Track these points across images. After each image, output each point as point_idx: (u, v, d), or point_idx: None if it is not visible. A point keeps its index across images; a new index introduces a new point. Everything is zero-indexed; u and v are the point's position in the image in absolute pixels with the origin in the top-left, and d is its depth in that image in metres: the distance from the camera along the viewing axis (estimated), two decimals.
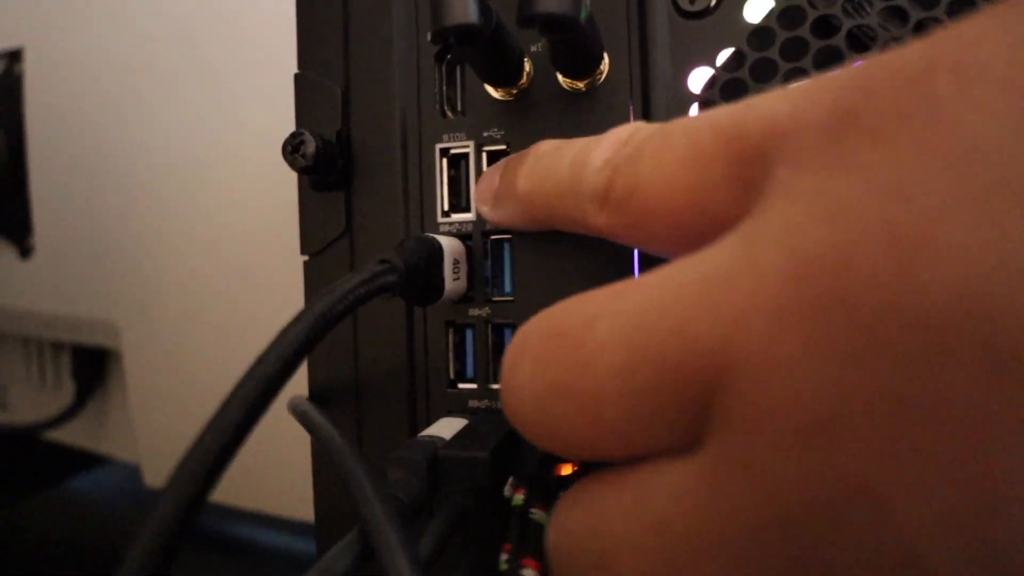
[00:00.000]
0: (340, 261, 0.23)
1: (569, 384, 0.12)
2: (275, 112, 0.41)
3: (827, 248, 0.10)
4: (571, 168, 0.16)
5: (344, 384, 0.23)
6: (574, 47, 0.17)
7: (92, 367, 0.54)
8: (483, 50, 0.17)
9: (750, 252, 0.11)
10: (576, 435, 0.13)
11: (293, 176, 0.41)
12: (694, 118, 0.14)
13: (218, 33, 0.43)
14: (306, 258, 0.23)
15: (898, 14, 0.19)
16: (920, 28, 0.18)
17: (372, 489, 0.14)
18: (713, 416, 0.11)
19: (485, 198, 0.20)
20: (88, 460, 0.55)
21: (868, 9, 0.19)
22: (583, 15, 0.15)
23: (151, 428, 0.49)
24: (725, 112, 0.13)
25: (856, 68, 0.11)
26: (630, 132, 0.15)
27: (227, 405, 0.12)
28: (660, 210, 0.14)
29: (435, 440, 0.18)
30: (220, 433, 0.12)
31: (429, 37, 0.16)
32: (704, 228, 0.13)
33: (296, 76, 0.23)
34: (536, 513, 0.16)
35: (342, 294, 0.14)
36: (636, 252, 0.20)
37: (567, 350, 0.12)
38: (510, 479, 0.18)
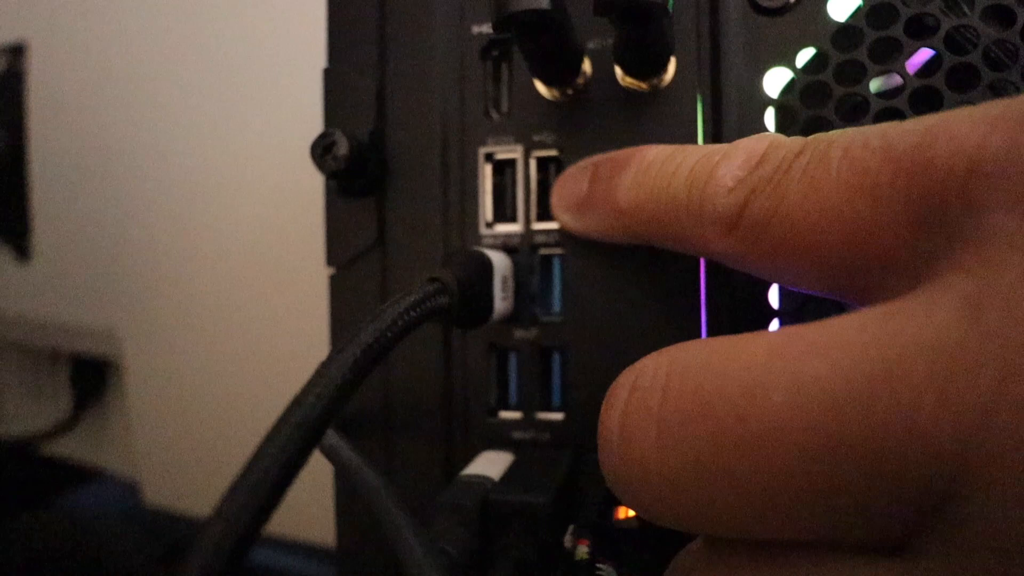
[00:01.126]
0: (371, 274, 0.21)
1: (726, 467, 0.10)
2: (290, 112, 0.39)
3: None
4: (689, 184, 0.14)
5: (373, 411, 0.21)
6: (650, 41, 0.16)
7: (91, 377, 0.52)
8: (547, 41, 0.16)
9: (987, 325, 0.09)
10: (726, 520, 0.10)
11: (310, 180, 0.39)
12: (851, 137, 0.12)
13: (230, 30, 0.41)
14: (332, 270, 0.21)
15: (1003, 14, 0.17)
16: None
17: (418, 543, 0.12)
18: (937, 524, 0.09)
19: (568, 205, 0.18)
20: (85, 475, 0.53)
21: (968, 9, 0.17)
22: (671, 4, 0.14)
23: (151, 443, 0.47)
24: (896, 133, 0.11)
25: None
26: (766, 148, 0.13)
27: (259, 457, 0.10)
28: (809, 242, 0.12)
29: (483, 481, 0.16)
30: (251, 495, 0.10)
31: (491, 24, 0.15)
32: (860, 265, 0.11)
33: (325, 71, 0.21)
34: (603, 569, 0.14)
35: (391, 320, 0.12)
36: (703, 271, 0.18)
37: (723, 423, 0.10)
38: (570, 528, 0.15)
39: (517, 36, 0.15)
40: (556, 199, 0.18)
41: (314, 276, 0.40)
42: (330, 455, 0.17)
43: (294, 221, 0.40)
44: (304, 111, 0.38)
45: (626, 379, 0.13)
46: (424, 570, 0.12)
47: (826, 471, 0.09)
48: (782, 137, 0.13)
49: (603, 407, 0.13)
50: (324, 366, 0.11)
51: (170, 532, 0.51)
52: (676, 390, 0.11)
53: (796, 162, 0.12)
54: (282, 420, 0.10)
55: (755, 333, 0.11)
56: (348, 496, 0.21)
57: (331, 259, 0.21)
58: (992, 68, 0.17)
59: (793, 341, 0.10)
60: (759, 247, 0.13)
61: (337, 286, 0.21)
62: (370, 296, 0.21)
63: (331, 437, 0.17)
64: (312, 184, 0.39)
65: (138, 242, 0.45)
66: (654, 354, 0.13)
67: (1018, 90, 0.17)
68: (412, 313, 0.13)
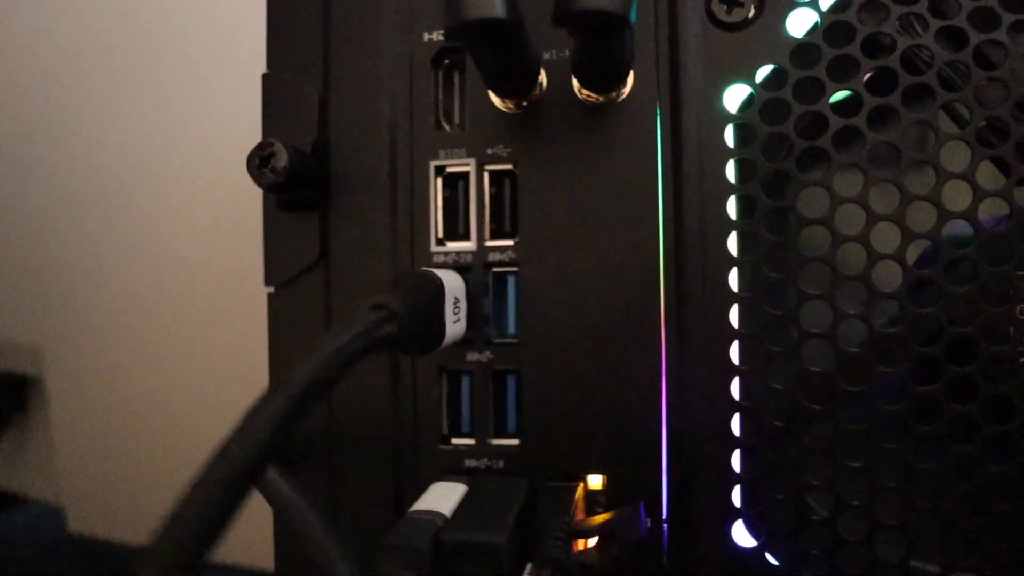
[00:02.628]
0: (312, 294, 0.20)
1: None
2: (226, 118, 0.38)
3: None
4: None
5: (315, 439, 0.19)
6: (609, 53, 0.15)
7: (9, 396, 0.48)
8: (502, 52, 0.15)
9: None
10: None
11: (248, 192, 0.37)
12: None
13: (165, 32, 0.39)
14: (271, 289, 0.20)
15: (955, 36, 0.17)
16: (980, 54, 0.17)
17: None
18: None
19: None
20: (6, 501, 0.49)
21: (922, 30, 0.17)
22: (633, 15, 0.13)
23: (76, 467, 0.45)
24: None
25: None
26: None
27: (178, 519, 0.09)
28: None
29: (434, 517, 0.15)
30: (178, 552, 0.08)
31: (444, 32, 0.14)
32: None
33: (264, 77, 0.20)
34: None
35: (330, 357, 0.11)
36: (662, 287, 0.18)
37: None
38: (528, 566, 0.15)
39: (471, 46, 0.14)
40: None
41: (248, 294, 0.38)
42: (266, 492, 0.15)
43: (229, 236, 0.39)
44: (242, 116, 0.37)
45: None
46: None
47: None
48: None
49: None
50: (253, 411, 0.10)
51: (96, 560, 0.48)
52: None
53: None
54: (207, 474, 0.09)
55: None
56: (289, 541, 0.20)
57: (270, 277, 0.20)
58: (945, 88, 0.17)
59: None
60: None
61: (277, 305, 0.20)
62: (312, 317, 0.20)
63: (269, 473, 0.16)
64: (248, 195, 0.38)
65: (63, 255, 0.43)
66: None
67: (969, 111, 0.17)
68: (354, 346, 0.12)
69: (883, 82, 0.17)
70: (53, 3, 0.41)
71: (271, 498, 0.15)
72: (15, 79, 0.42)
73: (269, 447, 0.10)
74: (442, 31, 0.19)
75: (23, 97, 0.42)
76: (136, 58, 0.40)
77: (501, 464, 0.18)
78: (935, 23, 0.17)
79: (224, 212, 0.39)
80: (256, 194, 0.38)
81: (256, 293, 0.37)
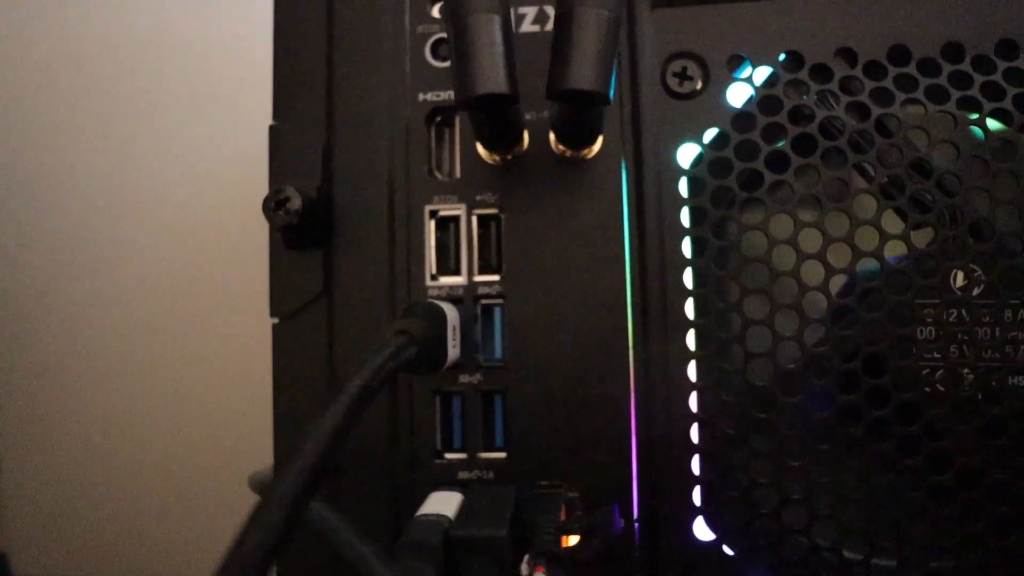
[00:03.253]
0: (316, 325, 0.21)
1: None
2: (211, 146, 0.38)
3: None
4: None
5: None
6: (587, 120, 0.18)
7: None
8: (500, 117, 0.17)
9: None
10: None
11: (214, 223, 0.39)
12: None
13: (153, 63, 0.40)
14: (275, 321, 0.22)
15: (861, 109, 0.21)
16: (880, 124, 0.21)
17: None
18: None
19: None
20: None
21: (835, 104, 0.21)
22: (612, 94, 0.16)
23: (20, 511, 0.43)
24: None
25: None
26: None
27: (266, 507, 0.11)
28: None
29: (440, 519, 0.17)
30: (261, 541, 0.10)
31: (455, 103, 0.16)
32: None
33: (271, 128, 0.22)
34: None
35: (373, 372, 0.13)
36: (630, 319, 0.21)
37: None
38: (526, 556, 0.17)
39: (477, 113, 0.17)
40: None
41: (214, 328, 0.39)
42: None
43: (193, 269, 0.39)
44: (225, 143, 0.38)
45: None
46: None
47: None
48: None
49: None
50: (319, 417, 0.12)
51: None
52: None
53: None
54: (285, 471, 0.11)
55: None
56: (290, 564, 0.21)
57: (275, 309, 0.22)
58: (855, 151, 0.21)
59: None
60: None
61: (282, 335, 0.22)
62: (315, 346, 0.21)
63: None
64: (223, 226, 0.39)
65: (8, 285, 0.42)
66: None
67: (874, 169, 0.20)
68: (389, 365, 0.14)
69: (806, 144, 0.21)
70: (50, 26, 0.41)
71: (318, 527, 0.16)
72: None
73: (328, 458, 0.12)
74: (435, 92, 0.22)
75: (12, 116, 0.42)
76: (129, 76, 0.40)
77: (491, 475, 0.21)
78: (844, 98, 0.21)
79: (195, 243, 0.39)
80: (230, 226, 0.39)
81: (228, 325, 0.38)
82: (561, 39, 0.16)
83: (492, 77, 0.15)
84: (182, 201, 0.39)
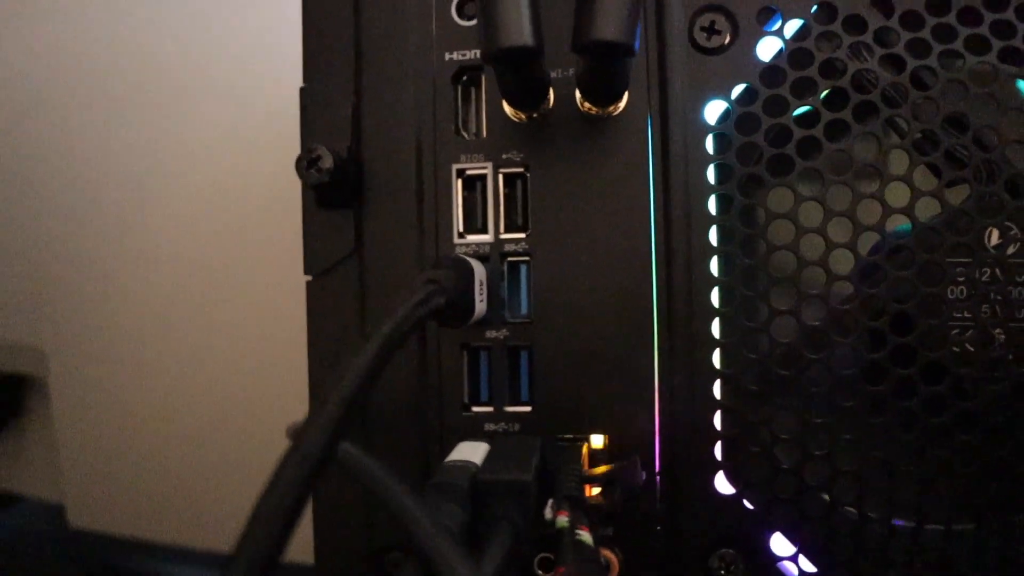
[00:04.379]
0: (347, 281, 0.22)
1: None
2: (228, 124, 0.39)
3: None
4: None
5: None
6: (613, 75, 0.18)
7: (8, 396, 0.49)
8: (526, 73, 0.18)
9: None
10: None
11: (244, 194, 0.40)
12: None
13: (172, 38, 0.41)
14: (309, 278, 0.23)
15: (896, 62, 0.20)
16: (916, 77, 0.20)
17: (426, 516, 0.14)
18: None
19: None
20: (4, 498, 0.50)
21: (868, 56, 0.20)
22: (637, 45, 0.16)
23: (76, 464, 0.46)
24: None
25: None
26: None
27: (294, 454, 0.11)
28: None
29: (468, 465, 0.18)
30: (292, 481, 0.11)
31: (480, 56, 0.16)
32: None
33: (302, 90, 0.23)
34: (583, 534, 0.16)
35: (402, 318, 0.14)
36: (653, 251, 0.21)
37: None
38: (549, 501, 0.17)
39: (503, 67, 0.17)
40: None
41: (251, 293, 0.40)
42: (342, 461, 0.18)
43: (232, 237, 0.40)
44: (244, 120, 0.39)
45: None
46: (436, 540, 0.13)
47: None
48: None
49: None
50: (352, 356, 0.12)
51: (95, 554, 0.49)
52: None
53: None
54: (325, 402, 0.12)
55: None
56: (325, 508, 0.22)
57: (309, 267, 0.22)
58: (888, 105, 0.20)
59: None
60: None
61: (315, 292, 0.22)
62: (347, 302, 0.22)
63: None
64: (251, 198, 0.40)
65: (67, 255, 0.44)
66: None
67: (908, 124, 0.20)
68: (419, 311, 0.14)
69: (837, 99, 0.20)
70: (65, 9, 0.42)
71: (349, 464, 0.17)
72: (22, 81, 0.44)
73: (358, 399, 0.12)
74: (461, 52, 0.22)
75: (29, 98, 0.44)
76: (145, 57, 0.41)
77: (516, 427, 0.21)
78: (879, 51, 0.20)
79: (228, 213, 0.41)
80: (262, 198, 0.40)
81: (260, 293, 0.40)
82: None
83: (517, 30, 0.16)
84: (227, 168, 0.40)
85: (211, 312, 0.41)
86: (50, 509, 0.50)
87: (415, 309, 0.14)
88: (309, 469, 0.11)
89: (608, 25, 0.15)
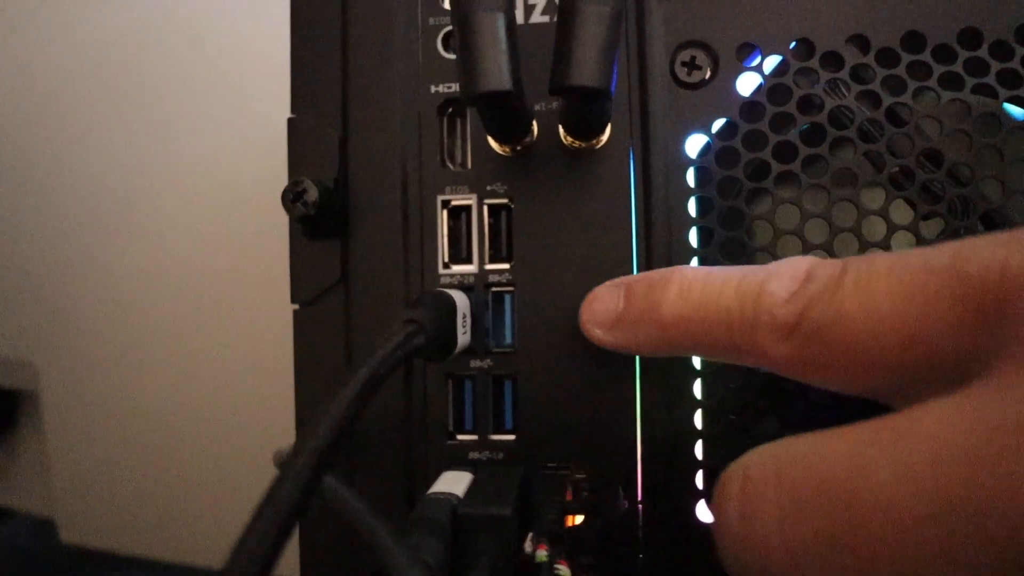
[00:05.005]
0: (334, 311, 0.22)
1: (846, 540, 0.12)
2: (226, 135, 0.39)
3: None
4: (739, 298, 0.16)
5: None
6: (594, 113, 0.18)
7: (2, 410, 0.49)
8: (506, 112, 0.18)
9: None
10: None
11: (235, 211, 0.40)
12: (889, 257, 0.14)
13: (165, 55, 0.41)
14: (296, 307, 0.23)
15: (872, 98, 0.21)
16: (891, 112, 0.20)
17: (402, 552, 0.14)
18: None
19: (602, 320, 0.19)
20: None
21: (846, 92, 0.21)
22: (613, 89, 0.16)
23: (68, 479, 0.46)
24: (930, 254, 0.13)
25: None
26: (808, 267, 0.15)
27: (279, 488, 0.12)
28: (867, 345, 0.13)
29: (450, 497, 0.18)
30: (277, 512, 0.11)
31: (460, 98, 0.17)
32: (911, 365, 0.13)
33: (290, 120, 0.23)
34: (561, 569, 0.16)
35: (380, 360, 0.14)
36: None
37: (837, 501, 0.12)
38: (530, 534, 0.18)
39: (481, 109, 0.18)
40: (588, 315, 0.19)
41: (244, 309, 0.40)
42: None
43: (226, 251, 0.41)
44: (240, 135, 0.39)
45: (734, 472, 0.14)
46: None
47: (940, 534, 0.11)
48: (820, 259, 0.16)
49: (716, 498, 0.14)
50: (330, 403, 0.13)
51: (86, 570, 0.49)
52: (789, 477, 0.13)
53: (845, 278, 0.14)
54: (298, 449, 0.12)
55: (838, 429, 0.13)
56: (312, 529, 0.22)
57: (296, 296, 0.23)
58: (864, 140, 0.21)
59: (880, 431, 0.12)
60: (817, 352, 0.14)
61: (302, 321, 0.23)
62: (334, 331, 0.22)
63: None
64: (243, 212, 0.40)
65: (59, 270, 0.44)
66: (755, 450, 0.14)
67: (883, 159, 0.20)
68: (397, 354, 0.15)
69: (815, 134, 0.21)
70: (64, 16, 0.43)
71: (329, 499, 0.17)
72: (14, 92, 0.44)
73: (339, 437, 0.12)
74: (446, 84, 0.22)
75: (17, 113, 0.44)
76: (142, 70, 0.41)
77: (500, 456, 0.21)
78: (855, 87, 0.21)
79: (220, 227, 0.41)
80: (253, 210, 0.40)
81: (254, 308, 0.40)
82: (563, 35, 0.16)
83: (495, 75, 0.16)
84: (216, 191, 0.41)
85: (204, 328, 0.41)
86: (41, 524, 0.50)
87: (394, 351, 0.15)
88: (286, 514, 0.12)
89: (584, 71, 0.15)
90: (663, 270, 0.18)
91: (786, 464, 0.13)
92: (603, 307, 0.19)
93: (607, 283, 0.19)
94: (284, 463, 0.12)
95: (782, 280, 0.15)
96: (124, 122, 0.42)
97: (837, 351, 0.14)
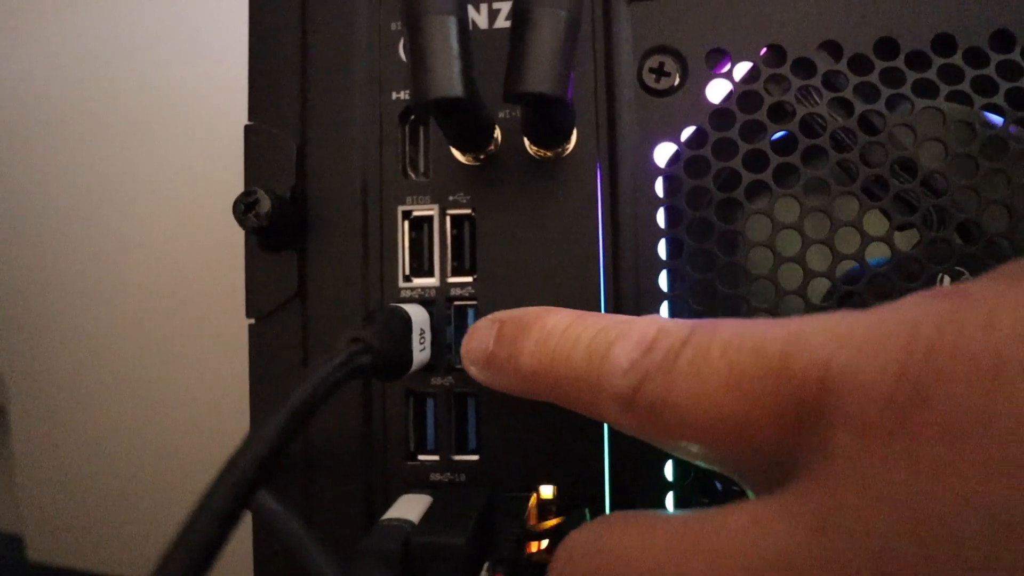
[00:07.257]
0: (290, 325, 0.22)
1: None
2: (187, 152, 0.39)
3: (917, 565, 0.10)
4: (588, 358, 0.15)
5: (293, 456, 0.21)
6: (553, 121, 0.17)
7: None
8: (461, 120, 0.17)
9: (831, 545, 0.11)
10: None
11: (206, 223, 0.39)
12: (730, 335, 0.13)
13: (131, 67, 0.40)
14: (251, 321, 0.22)
15: (844, 105, 0.20)
16: (864, 120, 0.20)
17: None
18: None
19: (475, 359, 0.18)
20: None
21: (818, 99, 0.20)
22: (569, 94, 0.16)
23: (37, 495, 0.45)
24: (767, 336, 0.12)
25: (919, 325, 0.11)
26: (655, 333, 0.14)
27: (197, 519, 0.11)
28: (697, 431, 0.13)
29: (403, 524, 0.17)
30: (189, 551, 0.10)
31: (410, 106, 0.16)
32: (743, 455, 0.13)
33: (247, 128, 0.22)
34: None
35: (318, 383, 0.13)
36: (602, 297, 0.20)
37: None
38: (486, 564, 0.17)
39: (435, 116, 0.17)
40: (465, 351, 0.19)
41: (212, 325, 0.39)
42: (256, 510, 0.17)
43: (193, 267, 0.40)
44: (194, 147, 0.38)
45: (559, 553, 0.14)
46: None
47: None
48: (669, 322, 0.15)
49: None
50: (257, 429, 0.12)
51: None
52: (605, 571, 0.13)
53: (683, 353, 0.13)
54: (220, 480, 0.11)
55: (674, 517, 0.13)
56: (266, 543, 0.21)
57: (251, 310, 0.22)
58: (837, 149, 0.20)
59: (683, 539, 0.12)
60: (654, 427, 0.14)
61: (257, 336, 0.22)
62: (290, 346, 0.21)
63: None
64: (213, 228, 0.39)
65: (28, 284, 0.43)
66: (585, 527, 0.14)
67: (856, 169, 0.20)
68: (337, 375, 0.14)
69: (787, 142, 0.20)
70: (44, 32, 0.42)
71: (262, 514, 0.16)
72: None
73: (270, 461, 0.12)
74: (407, 91, 0.21)
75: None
76: (105, 89, 0.41)
77: (463, 477, 0.21)
78: (828, 94, 0.20)
79: (190, 241, 0.40)
80: (222, 222, 0.39)
81: (226, 322, 0.39)
82: (516, 40, 0.15)
83: (446, 81, 0.15)
84: (184, 200, 0.40)
85: (174, 343, 0.41)
86: (9, 540, 0.49)
87: (334, 372, 0.14)
88: (201, 551, 0.11)
89: (538, 77, 0.15)
90: (534, 311, 0.18)
91: (602, 560, 0.13)
92: (477, 345, 0.18)
93: (488, 317, 0.19)
94: (202, 495, 0.11)
95: (626, 345, 0.14)
96: (85, 138, 0.41)
97: (674, 431, 0.14)
